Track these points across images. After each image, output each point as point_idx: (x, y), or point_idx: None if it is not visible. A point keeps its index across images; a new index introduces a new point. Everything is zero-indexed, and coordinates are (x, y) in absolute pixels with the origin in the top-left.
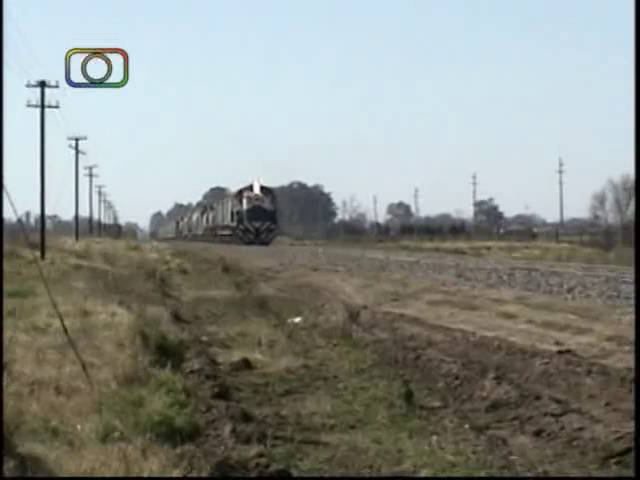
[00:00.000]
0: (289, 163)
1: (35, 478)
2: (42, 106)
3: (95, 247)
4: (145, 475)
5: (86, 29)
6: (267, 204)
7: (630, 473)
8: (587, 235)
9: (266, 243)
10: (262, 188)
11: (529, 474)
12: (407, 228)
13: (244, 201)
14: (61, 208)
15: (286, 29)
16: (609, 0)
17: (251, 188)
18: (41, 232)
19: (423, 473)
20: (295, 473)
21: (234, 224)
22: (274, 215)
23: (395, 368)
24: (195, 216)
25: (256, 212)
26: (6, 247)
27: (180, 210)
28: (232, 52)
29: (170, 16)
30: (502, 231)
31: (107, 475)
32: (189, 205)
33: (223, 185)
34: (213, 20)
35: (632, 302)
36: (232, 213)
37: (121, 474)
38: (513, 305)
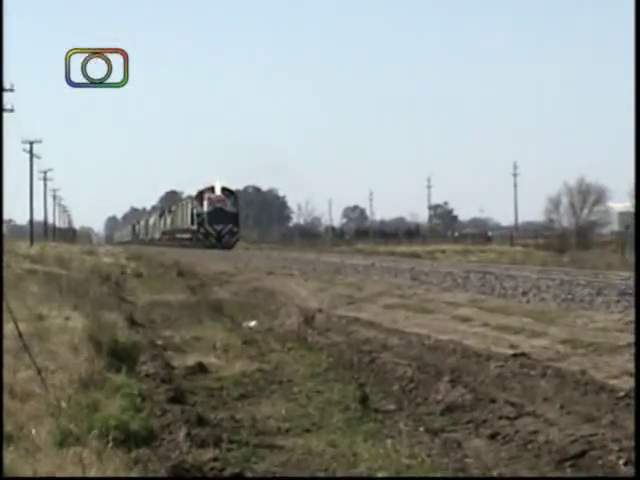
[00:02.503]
0: (245, 167)
1: (35, 478)
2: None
3: (50, 251)
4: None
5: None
6: (229, 206)
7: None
8: (542, 238)
9: (228, 247)
10: (224, 189)
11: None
12: (362, 232)
13: (205, 203)
14: (15, 212)
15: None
16: (571, 5)
17: (212, 189)
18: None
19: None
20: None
21: (194, 227)
22: (236, 218)
23: (350, 371)
24: (152, 219)
25: (218, 214)
26: None
27: (135, 214)
28: (190, 59)
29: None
30: (457, 234)
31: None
32: (144, 209)
33: (179, 189)
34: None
35: (586, 305)
36: (192, 215)
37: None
38: (468, 308)
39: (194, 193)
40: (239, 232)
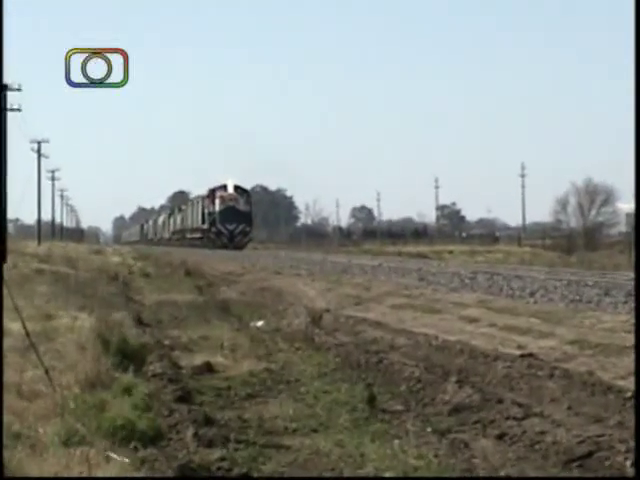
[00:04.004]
0: (253, 167)
1: (36, 478)
2: (4, 109)
3: (57, 251)
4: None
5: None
6: (242, 205)
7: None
8: (549, 239)
9: (240, 247)
10: (236, 188)
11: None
12: (369, 232)
13: (217, 201)
14: (23, 212)
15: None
16: (575, 6)
17: (224, 187)
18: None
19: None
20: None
21: (206, 226)
22: (249, 217)
23: (357, 372)
24: (162, 218)
25: (230, 213)
26: None
27: (143, 213)
28: (193, 59)
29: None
30: (464, 235)
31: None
32: (152, 209)
33: (187, 189)
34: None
35: (593, 306)
36: (203, 215)
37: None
38: (475, 309)
39: (204, 192)
40: (252, 232)
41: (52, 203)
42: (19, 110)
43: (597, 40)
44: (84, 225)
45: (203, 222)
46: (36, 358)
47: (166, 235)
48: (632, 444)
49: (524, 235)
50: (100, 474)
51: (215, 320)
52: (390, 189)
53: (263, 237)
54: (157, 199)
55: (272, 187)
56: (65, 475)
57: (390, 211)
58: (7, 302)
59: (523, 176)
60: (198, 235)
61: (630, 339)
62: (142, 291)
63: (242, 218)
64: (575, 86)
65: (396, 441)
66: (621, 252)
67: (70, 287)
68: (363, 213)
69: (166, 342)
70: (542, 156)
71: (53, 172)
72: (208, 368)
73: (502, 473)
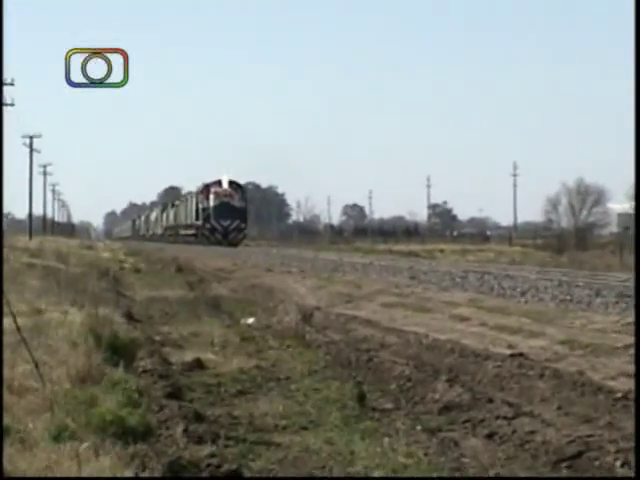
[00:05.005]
0: (245, 164)
1: (36, 478)
2: (1, 104)
3: (48, 245)
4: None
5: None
6: (237, 201)
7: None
8: (540, 239)
9: (235, 244)
10: (231, 183)
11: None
12: (361, 230)
13: (211, 197)
14: (14, 206)
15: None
16: (569, 6)
17: (219, 183)
18: None
19: (375, 475)
20: (247, 474)
21: (199, 222)
22: (244, 213)
23: (348, 370)
24: (154, 214)
25: (225, 209)
26: None
27: (134, 209)
28: (184, 55)
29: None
30: (455, 234)
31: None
32: (143, 204)
33: (179, 185)
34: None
35: (584, 306)
36: (197, 210)
37: (73, 473)
38: (466, 308)
39: (197, 188)
40: (246, 228)
41: (44, 198)
42: (12, 105)
43: (591, 40)
44: (75, 220)
45: (197, 218)
46: (27, 353)
47: (159, 231)
48: (622, 445)
49: (515, 234)
50: (90, 470)
51: (206, 317)
52: (382, 187)
53: (254, 234)
54: (148, 195)
55: (264, 184)
56: (56, 470)
57: (382, 209)
58: None
59: (515, 175)
60: (192, 231)
61: (620, 339)
62: (133, 287)
63: (237, 214)
64: (568, 86)
65: (386, 439)
66: (612, 252)
67: (61, 282)
68: (355, 211)
69: (157, 338)
70: (534, 156)
71: (45, 167)
72: (198, 364)
73: (492, 472)
